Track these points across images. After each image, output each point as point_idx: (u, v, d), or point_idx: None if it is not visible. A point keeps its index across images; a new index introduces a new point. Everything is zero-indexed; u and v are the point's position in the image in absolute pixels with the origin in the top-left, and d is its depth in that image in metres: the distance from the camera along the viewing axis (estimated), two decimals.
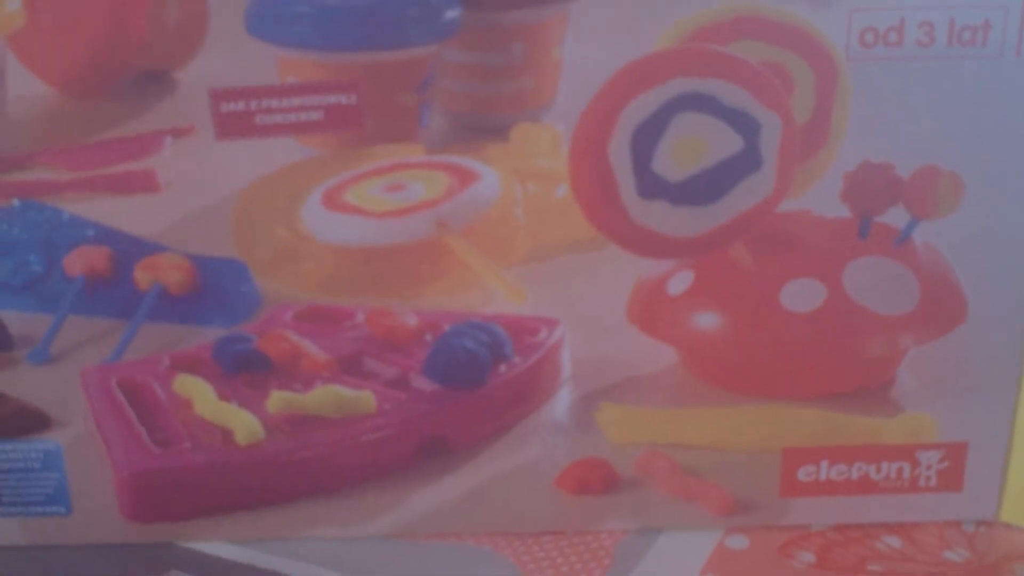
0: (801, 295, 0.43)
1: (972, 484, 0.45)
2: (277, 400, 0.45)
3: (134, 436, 0.45)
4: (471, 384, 0.45)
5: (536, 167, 0.45)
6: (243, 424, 0.44)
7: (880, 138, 0.41)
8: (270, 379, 0.45)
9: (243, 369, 0.45)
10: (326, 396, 0.45)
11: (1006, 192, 0.41)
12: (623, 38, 0.40)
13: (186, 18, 0.43)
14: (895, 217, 0.42)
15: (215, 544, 0.46)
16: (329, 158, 0.44)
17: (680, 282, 0.43)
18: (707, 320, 0.43)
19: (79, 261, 0.45)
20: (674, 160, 0.41)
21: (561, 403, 0.46)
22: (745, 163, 0.41)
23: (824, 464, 0.45)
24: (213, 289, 0.45)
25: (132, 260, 0.45)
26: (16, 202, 0.44)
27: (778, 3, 0.40)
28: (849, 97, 0.41)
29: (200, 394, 0.45)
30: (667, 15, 0.40)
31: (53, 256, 0.45)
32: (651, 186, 0.41)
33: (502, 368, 0.45)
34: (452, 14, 0.42)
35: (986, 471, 0.45)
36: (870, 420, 0.44)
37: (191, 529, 0.46)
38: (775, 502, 0.45)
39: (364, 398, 0.45)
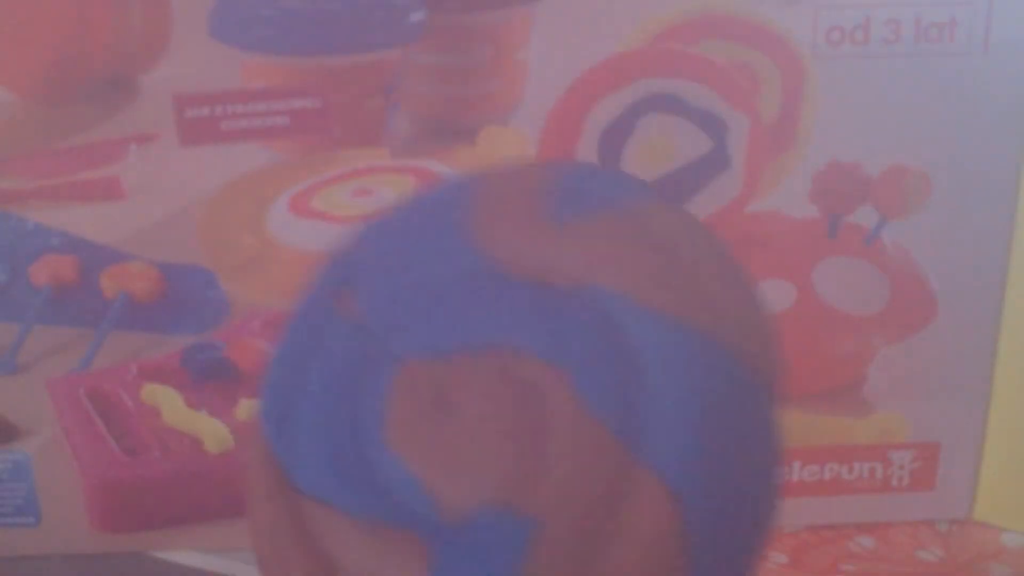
0: (771, 296, 0.42)
1: (945, 484, 0.45)
2: (247, 408, 0.44)
3: (103, 445, 0.44)
4: None
5: None
6: (213, 432, 0.44)
7: (848, 137, 0.41)
8: (239, 387, 0.45)
9: (212, 377, 0.45)
10: None
11: (975, 190, 0.41)
12: (588, 39, 0.40)
13: (149, 23, 0.42)
14: (864, 217, 0.42)
15: (186, 553, 0.46)
16: (296, 163, 0.44)
17: None
18: None
19: (45, 270, 0.45)
20: (642, 162, 0.41)
21: None
22: (713, 164, 0.41)
23: (796, 465, 0.45)
24: (180, 297, 0.45)
25: (98, 268, 0.44)
26: None
27: (744, 2, 0.40)
28: (816, 96, 0.41)
29: (169, 403, 0.45)
30: (632, 16, 0.40)
31: (18, 265, 0.45)
32: None
33: None
34: (417, 16, 0.42)
35: (959, 470, 0.45)
36: (841, 421, 0.44)
37: (161, 538, 0.45)
38: None
39: None
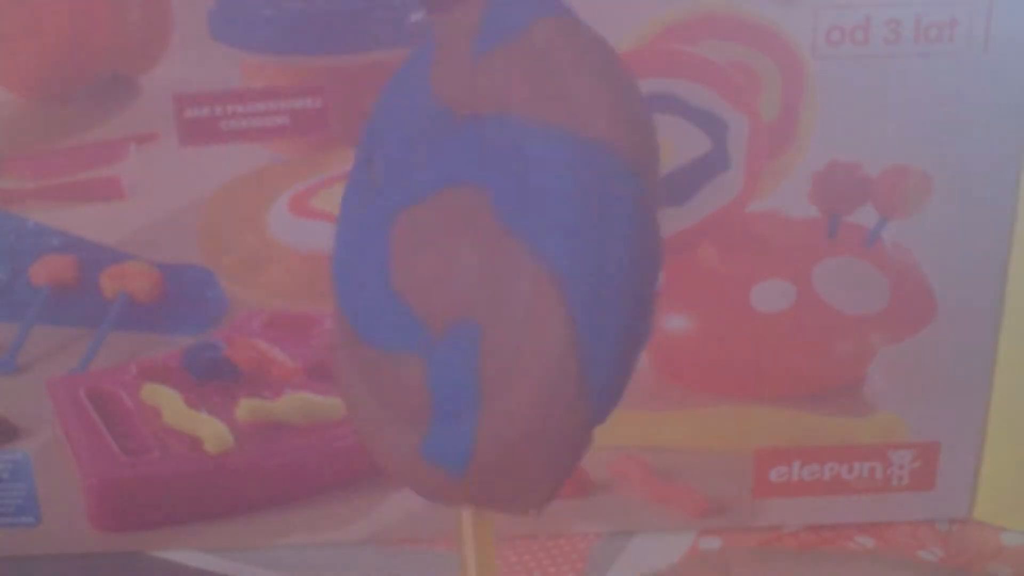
0: (771, 296, 0.43)
1: (945, 483, 0.45)
2: (246, 408, 0.44)
3: (103, 445, 0.44)
4: None
5: None
6: (212, 432, 0.44)
7: (848, 137, 0.41)
8: (239, 387, 0.45)
9: (212, 377, 0.45)
10: (295, 403, 0.45)
11: (975, 190, 0.41)
12: None
13: (149, 22, 0.42)
14: (864, 217, 0.42)
15: (185, 553, 0.46)
16: (296, 163, 0.44)
17: None
18: (677, 322, 0.43)
19: (44, 270, 0.45)
20: None
21: None
22: (713, 164, 0.41)
23: (796, 465, 0.45)
24: (180, 297, 0.45)
25: (98, 268, 0.44)
26: None
27: (744, 2, 0.40)
28: (816, 96, 0.41)
29: (168, 403, 0.45)
30: (632, 16, 0.40)
31: (18, 265, 0.44)
32: None
33: None
34: (418, 16, 0.42)
35: (958, 470, 0.45)
36: (841, 420, 0.44)
37: (161, 538, 0.45)
38: (748, 503, 0.45)
39: (334, 405, 0.44)
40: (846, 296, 0.42)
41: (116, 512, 0.45)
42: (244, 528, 0.45)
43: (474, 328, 0.31)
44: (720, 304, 0.43)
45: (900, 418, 0.44)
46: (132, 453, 0.44)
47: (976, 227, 0.42)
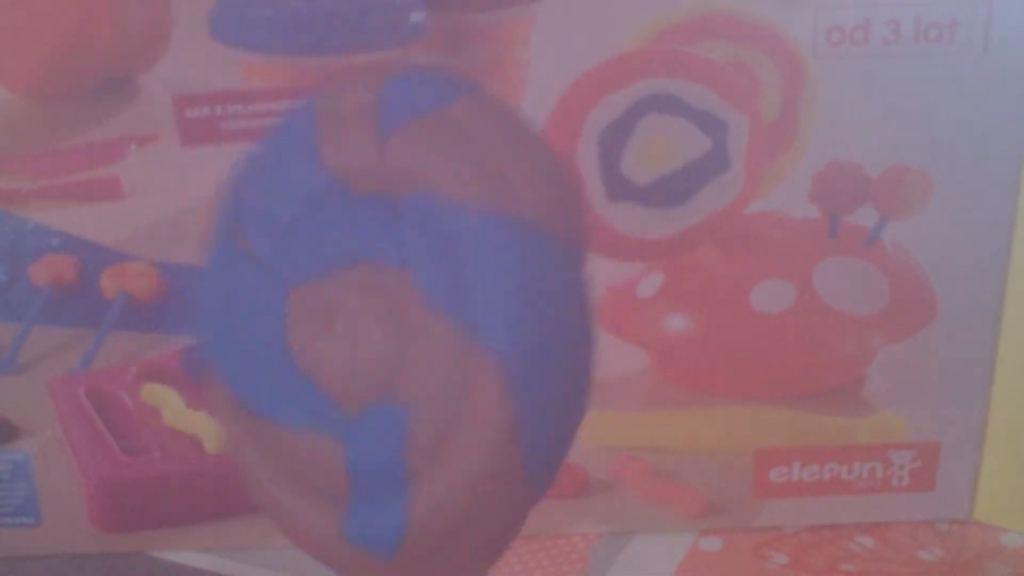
0: (771, 296, 0.43)
1: (945, 484, 0.45)
2: None
3: (103, 445, 0.44)
4: None
5: None
6: (212, 432, 0.44)
7: (848, 137, 0.41)
8: None
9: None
10: None
11: (975, 190, 0.41)
12: (588, 39, 0.40)
13: (150, 23, 0.42)
14: (864, 217, 0.42)
15: (186, 553, 0.46)
16: None
17: (649, 285, 0.43)
18: (677, 322, 0.43)
19: (45, 270, 0.45)
20: (642, 162, 0.41)
21: None
22: (713, 164, 0.41)
23: (796, 465, 0.45)
24: (180, 297, 0.45)
25: (98, 268, 0.44)
26: None
27: (744, 2, 0.40)
28: (816, 96, 0.41)
29: (169, 403, 0.45)
30: (632, 16, 0.40)
31: (18, 265, 0.44)
32: (619, 188, 0.41)
33: None
34: (418, 17, 0.42)
35: (959, 470, 0.45)
36: (841, 421, 0.44)
37: (161, 538, 0.45)
38: (748, 504, 0.45)
39: None
40: (846, 296, 0.42)
41: (116, 512, 0.45)
42: (244, 528, 0.45)
43: (399, 409, 0.30)
44: (720, 304, 0.43)
45: (900, 418, 0.44)
46: (132, 453, 0.44)
47: (976, 227, 0.42)
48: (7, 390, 0.45)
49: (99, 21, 0.43)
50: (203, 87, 0.41)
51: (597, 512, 0.45)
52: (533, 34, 0.43)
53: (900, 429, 0.44)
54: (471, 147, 0.29)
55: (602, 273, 0.43)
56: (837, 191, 0.42)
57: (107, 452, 0.44)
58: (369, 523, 0.31)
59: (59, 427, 0.45)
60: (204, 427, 0.44)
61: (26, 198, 0.43)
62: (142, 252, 0.44)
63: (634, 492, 0.45)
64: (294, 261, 0.32)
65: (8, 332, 0.45)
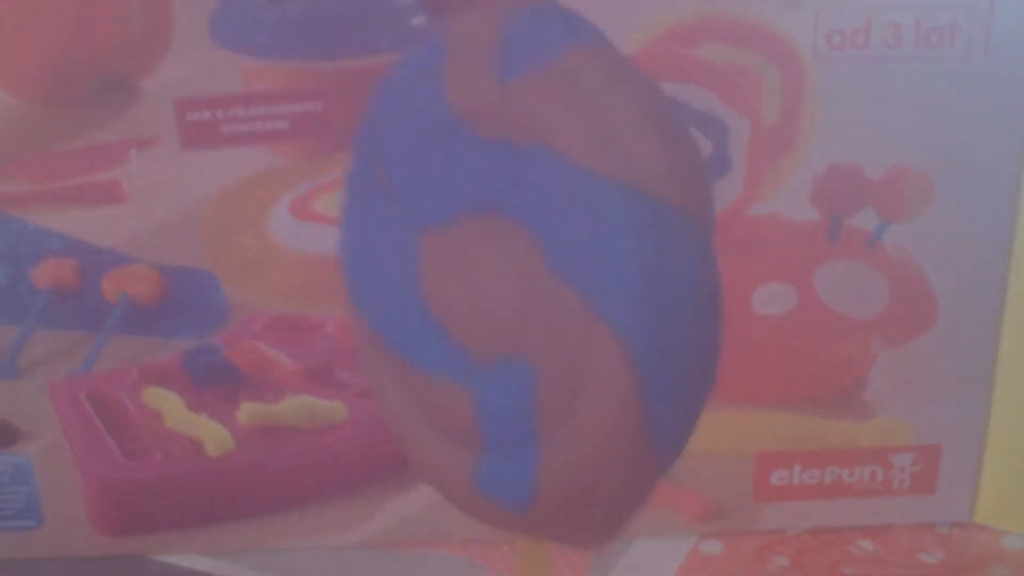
0: (772, 299, 0.43)
1: (946, 486, 0.45)
2: (247, 411, 0.44)
3: (104, 448, 0.44)
4: None
5: None
6: (213, 435, 0.44)
7: (849, 139, 0.41)
8: (240, 390, 0.45)
9: (213, 380, 0.45)
10: (297, 406, 0.44)
11: (975, 193, 0.41)
12: None
13: (150, 26, 0.42)
14: (865, 220, 0.42)
15: (187, 556, 0.46)
16: (297, 167, 0.44)
17: None
18: None
19: (46, 273, 0.45)
20: None
21: None
22: (714, 167, 0.41)
23: (797, 468, 0.45)
24: (181, 300, 0.45)
25: (99, 271, 0.45)
26: None
27: (744, 5, 0.40)
28: (817, 99, 0.41)
29: (170, 406, 0.45)
30: (633, 19, 0.40)
31: (19, 268, 0.45)
32: None
33: None
34: (418, 20, 0.42)
35: (960, 473, 0.45)
36: (842, 424, 0.44)
37: (162, 541, 0.45)
38: (749, 507, 0.45)
39: (335, 408, 0.44)
40: (847, 299, 0.42)
41: (117, 515, 0.45)
42: (245, 532, 0.45)
43: (528, 368, 0.29)
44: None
45: (901, 421, 0.44)
46: (133, 456, 0.44)
47: (977, 230, 0.42)
48: (8, 393, 0.45)
49: (100, 24, 0.43)
50: (204, 90, 0.41)
51: None
52: None
53: (902, 433, 0.44)
54: (588, 106, 0.28)
55: None
56: (838, 193, 0.42)
57: (108, 455, 0.44)
58: (500, 477, 0.31)
59: (60, 430, 0.45)
60: (205, 430, 0.44)
61: (27, 201, 0.43)
62: (143, 255, 0.44)
63: None
64: (423, 199, 0.31)
65: (9, 335, 0.45)
